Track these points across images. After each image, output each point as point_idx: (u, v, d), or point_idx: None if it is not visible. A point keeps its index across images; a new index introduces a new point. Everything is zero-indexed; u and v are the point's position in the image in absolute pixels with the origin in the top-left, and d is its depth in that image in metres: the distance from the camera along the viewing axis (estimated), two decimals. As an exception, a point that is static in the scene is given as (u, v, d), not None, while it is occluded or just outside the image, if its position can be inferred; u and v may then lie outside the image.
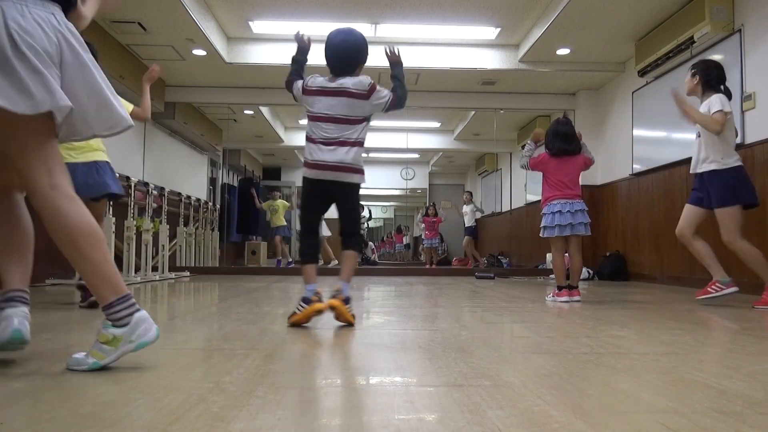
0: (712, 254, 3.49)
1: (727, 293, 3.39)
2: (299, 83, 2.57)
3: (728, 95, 3.43)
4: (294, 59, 2.67)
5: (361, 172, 2.50)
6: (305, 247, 2.55)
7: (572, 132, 3.84)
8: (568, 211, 3.68)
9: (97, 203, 3.17)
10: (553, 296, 3.76)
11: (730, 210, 3.37)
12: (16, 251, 1.56)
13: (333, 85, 2.47)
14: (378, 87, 2.50)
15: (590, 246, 7.12)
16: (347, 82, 2.47)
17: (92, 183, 3.07)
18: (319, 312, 2.32)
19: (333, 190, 2.49)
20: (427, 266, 9.46)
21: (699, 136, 3.45)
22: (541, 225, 3.82)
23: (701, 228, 3.55)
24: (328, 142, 2.43)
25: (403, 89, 2.56)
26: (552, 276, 6.44)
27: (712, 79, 3.43)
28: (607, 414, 1.13)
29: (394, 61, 2.64)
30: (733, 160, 3.36)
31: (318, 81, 2.52)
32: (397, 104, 2.52)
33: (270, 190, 10.03)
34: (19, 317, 1.45)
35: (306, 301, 2.34)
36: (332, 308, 2.32)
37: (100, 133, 1.55)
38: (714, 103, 3.32)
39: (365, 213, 11.02)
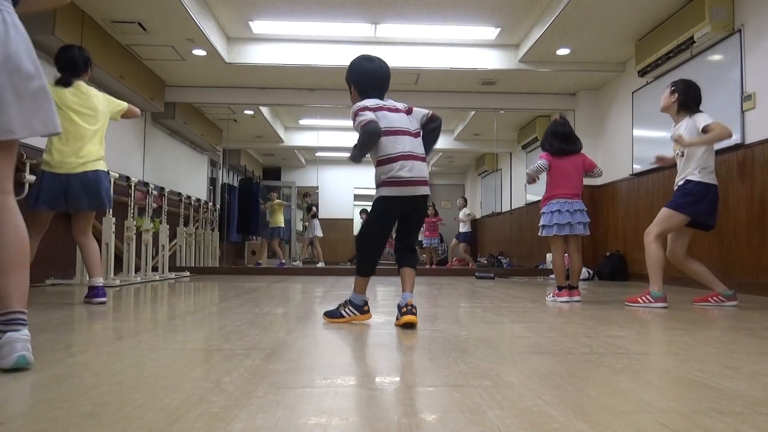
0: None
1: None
2: (368, 114, 2.48)
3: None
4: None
5: None
6: (369, 263, 2.53)
7: (570, 131, 3.85)
8: (567, 210, 3.69)
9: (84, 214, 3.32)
10: (553, 296, 3.76)
11: (671, 213, 3.39)
12: (15, 267, 1.52)
13: (388, 104, 2.55)
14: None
15: (590, 246, 7.12)
16: (394, 103, 2.58)
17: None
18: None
19: (412, 205, 2.50)
20: (427, 266, 9.46)
21: (681, 156, 3.45)
22: (540, 224, 3.83)
23: (691, 244, 3.56)
24: (408, 157, 2.46)
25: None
26: (552, 276, 6.44)
27: (689, 100, 3.42)
28: (607, 414, 1.13)
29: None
30: (709, 178, 3.37)
31: (375, 101, 2.53)
32: (436, 120, 2.62)
33: (269, 190, 10.01)
34: (22, 341, 1.45)
35: (358, 309, 2.49)
36: (412, 324, 2.35)
37: (22, 134, 1.52)
38: (700, 120, 3.31)
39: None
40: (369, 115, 2.43)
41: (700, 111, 3.40)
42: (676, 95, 3.47)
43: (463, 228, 10.02)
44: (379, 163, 2.46)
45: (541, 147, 3.93)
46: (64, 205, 3.15)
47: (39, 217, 3.11)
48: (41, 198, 3.09)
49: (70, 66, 3.27)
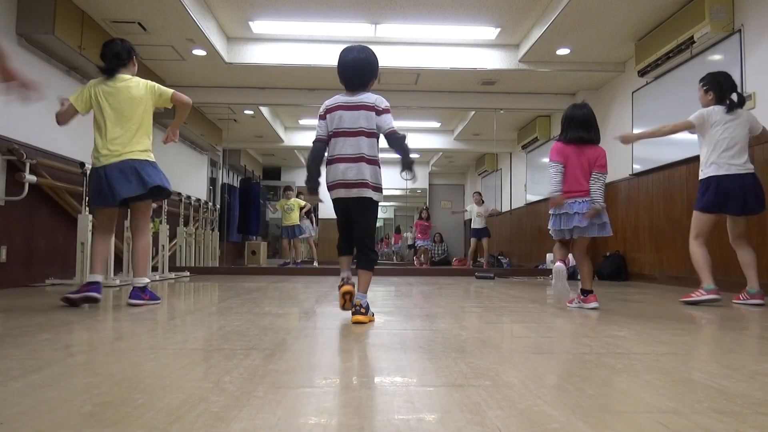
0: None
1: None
2: (320, 126, 2.64)
3: (741, 103, 3.49)
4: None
5: (378, 189, 2.59)
6: (339, 245, 2.71)
7: (592, 118, 3.27)
8: (576, 212, 3.26)
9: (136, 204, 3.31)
10: (578, 300, 3.32)
11: (694, 213, 3.58)
12: None
13: (353, 99, 2.58)
14: (390, 114, 2.58)
15: (590, 246, 7.10)
16: (366, 97, 2.58)
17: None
18: (348, 294, 2.56)
19: (350, 206, 2.59)
20: (416, 265, 9.47)
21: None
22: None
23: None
24: (344, 159, 2.53)
25: (406, 148, 2.57)
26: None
27: (726, 91, 3.49)
28: (607, 414, 1.13)
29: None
30: (706, 172, 3.49)
31: (336, 99, 2.61)
32: (397, 139, 2.53)
33: (285, 189, 9.73)
34: None
35: (340, 286, 2.61)
36: (357, 323, 2.48)
37: None
38: (754, 118, 3.51)
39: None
40: (319, 131, 2.61)
41: (737, 98, 3.48)
42: (712, 93, 3.50)
43: (483, 224, 9.20)
44: (327, 164, 2.61)
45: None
46: (110, 198, 3.07)
47: (97, 216, 3.30)
48: (91, 196, 3.22)
49: (113, 57, 3.21)
